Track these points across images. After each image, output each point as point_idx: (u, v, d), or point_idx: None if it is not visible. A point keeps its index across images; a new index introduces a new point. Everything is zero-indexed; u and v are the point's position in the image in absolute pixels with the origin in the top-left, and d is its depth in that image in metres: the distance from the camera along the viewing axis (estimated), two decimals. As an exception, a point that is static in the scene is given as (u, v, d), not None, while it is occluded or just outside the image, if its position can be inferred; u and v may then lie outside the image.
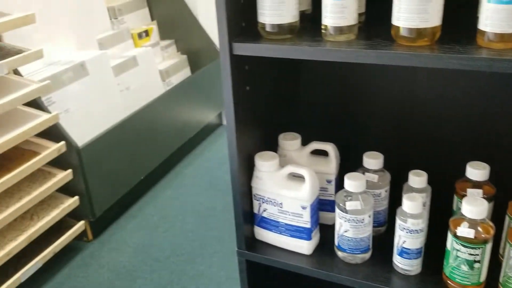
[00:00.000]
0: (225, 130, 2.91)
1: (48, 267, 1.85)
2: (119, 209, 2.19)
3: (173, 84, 2.59)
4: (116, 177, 2.08)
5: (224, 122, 2.99)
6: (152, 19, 2.76)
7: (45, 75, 1.89)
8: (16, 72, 1.75)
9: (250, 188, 1.02)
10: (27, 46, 1.64)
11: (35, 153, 1.71)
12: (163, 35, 2.77)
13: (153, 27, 2.67)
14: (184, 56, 2.76)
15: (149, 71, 2.46)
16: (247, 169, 1.00)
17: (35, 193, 1.71)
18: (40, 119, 1.68)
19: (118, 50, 2.42)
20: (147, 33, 2.62)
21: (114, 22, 2.51)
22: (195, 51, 2.77)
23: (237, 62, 0.87)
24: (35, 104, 1.76)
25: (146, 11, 2.73)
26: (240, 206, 0.99)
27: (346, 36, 0.80)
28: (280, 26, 0.83)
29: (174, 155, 2.51)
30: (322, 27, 0.81)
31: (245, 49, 0.84)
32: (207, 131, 2.84)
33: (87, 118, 2.02)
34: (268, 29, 0.83)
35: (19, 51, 1.59)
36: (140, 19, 2.68)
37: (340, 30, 0.79)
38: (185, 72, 2.75)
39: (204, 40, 2.71)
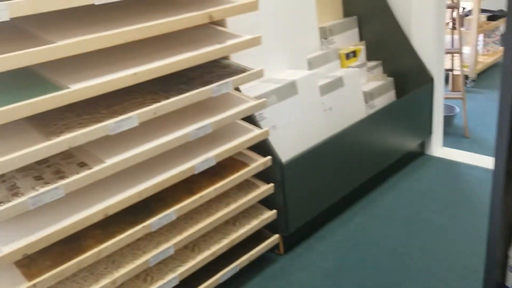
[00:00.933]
0: (427, 161, 2.72)
1: (243, 272, 1.95)
2: (310, 228, 2.21)
3: (376, 106, 2.52)
4: (312, 196, 2.09)
5: (428, 151, 2.79)
6: (361, 39, 2.74)
7: (260, 92, 2.01)
8: (236, 88, 1.90)
9: (506, 257, 0.87)
10: (245, 64, 1.77)
11: (245, 164, 1.82)
12: (370, 56, 2.72)
13: (361, 47, 2.64)
14: (390, 79, 2.66)
15: (354, 92, 2.43)
16: (509, 234, 0.85)
17: (240, 201, 1.82)
18: (252, 134, 1.78)
19: (325, 70, 2.46)
20: (354, 53, 2.60)
21: (324, 42, 2.55)
22: (403, 74, 2.65)
23: None
24: (249, 118, 1.88)
25: (355, 31, 2.72)
26: (492, 275, 0.85)
27: None
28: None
29: (370, 181, 2.43)
30: None
31: None
32: (407, 159, 2.68)
33: (292, 135, 2.09)
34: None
35: (243, 70, 1.72)
36: (349, 39, 2.68)
37: None
38: (390, 95, 2.65)
39: (415, 62, 2.57)
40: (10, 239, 1.25)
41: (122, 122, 1.35)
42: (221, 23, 1.80)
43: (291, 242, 2.13)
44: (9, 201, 1.20)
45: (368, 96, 2.52)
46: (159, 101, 1.46)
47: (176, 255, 1.73)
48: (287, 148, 1.99)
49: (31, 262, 1.35)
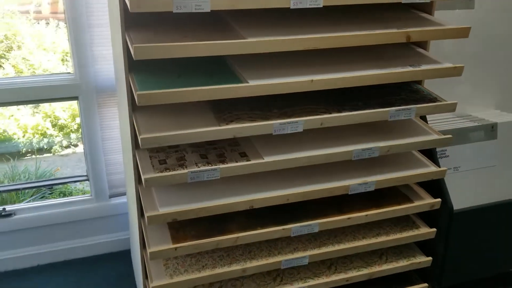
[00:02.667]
0: None
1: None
2: (470, 290, 1.93)
3: None
4: (478, 257, 1.82)
5: None
6: None
7: (450, 127, 1.82)
8: (423, 117, 1.75)
9: None
10: (441, 93, 1.60)
11: (408, 200, 1.68)
12: None
13: None
14: None
15: None
16: None
17: (393, 236, 1.69)
18: (426, 170, 1.62)
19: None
20: None
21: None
22: None
23: None
24: (429, 153, 1.72)
25: None
26: None
27: None
28: None
29: None
30: None
31: None
32: None
33: (475, 184, 1.84)
34: None
35: (433, 99, 1.57)
36: None
37: None
38: None
39: None
40: (166, 203, 1.40)
41: (286, 125, 1.37)
42: (423, 44, 1.67)
43: (441, 297, 1.90)
44: (174, 169, 1.35)
45: None
46: (330, 113, 1.44)
47: (312, 267, 1.71)
48: (464, 196, 1.76)
49: (180, 228, 1.50)
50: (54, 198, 2.74)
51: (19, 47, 3.54)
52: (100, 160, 2.13)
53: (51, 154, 3.56)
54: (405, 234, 1.70)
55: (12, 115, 3.39)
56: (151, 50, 1.18)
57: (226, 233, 1.47)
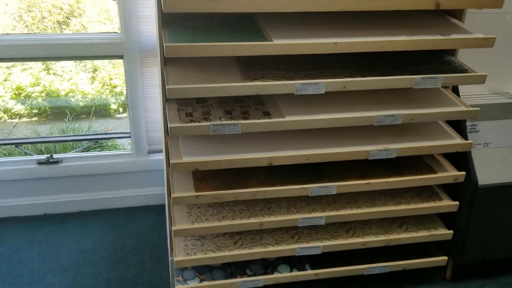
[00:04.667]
0: None
1: (395, 276, 1.85)
2: (487, 269, 1.91)
3: None
4: (502, 235, 1.80)
5: None
6: None
7: (482, 102, 1.78)
8: (455, 90, 1.73)
9: None
10: (477, 67, 1.58)
11: (432, 170, 1.68)
12: None
13: None
14: None
15: None
16: None
17: (414, 205, 1.71)
18: (451, 141, 1.62)
19: None
20: None
21: None
22: None
23: None
24: (458, 125, 1.70)
25: None
26: None
27: None
28: None
29: None
30: None
31: None
32: None
33: (505, 162, 1.80)
34: None
35: (463, 70, 1.55)
36: None
37: None
38: None
39: None
40: (191, 153, 1.49)
41: (308, 86, 1.41)
42: (459, 16, 1.64)
43: (459, 272, 1.89)
44: (199, 122, 1.43)
45: None
46: (353, 77, 1.46)
47: (330, 229, 1.76)
48: (492, 173, 1.73)
49: (203, 179, 1.59)
50: (100, 152, 2.93)
51: (80, 15, 3.74)
52: (140, 118, 2.26)
53: (106, 117, 3.77)
54: (426, 205, 1.71)
55: (71, 78, 3.61)
56: (181, 3, 1.26)
57: (246, 187, 1.55)
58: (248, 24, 1.50)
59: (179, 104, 1.53)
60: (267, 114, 1.50)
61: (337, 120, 1.49)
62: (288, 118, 1.46)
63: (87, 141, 2.59)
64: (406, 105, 1.59)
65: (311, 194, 1.58)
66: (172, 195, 1.49)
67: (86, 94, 3.57)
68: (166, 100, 1.52)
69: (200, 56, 1.33)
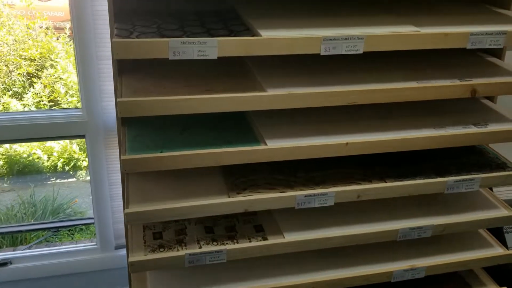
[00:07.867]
0: None
1: None
2: None
3: None
4: None
5: None
6: None
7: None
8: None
9: None
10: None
11: (466, 285, 1.35)
12: None
13: None
14: None
15: None
16: None
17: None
18: (490, 252, 1.29)
19: None
20: None
21: None
22: None
23: None
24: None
25: None
26: None
27: None
28: None
29: None
30: None
31: None
32: None
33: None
34: None
35: (500, 165, 1.24)
36: None
37: None
38: None
39: None
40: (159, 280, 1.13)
41: (313, 198, 1.08)
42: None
43: None
44: (170, 248, 1.08)
45: None
46: (369, 181, 1.14)
47: None
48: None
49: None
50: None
51: (52, 66, 3.45)
52: (106, 207, 1.90)
53: (75, 180, 3.42)
54: (460, 329, 1.36)
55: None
56: (137, 107, 0.93)
57: None
58: (238, 115, 1.17)
59: (145, 220, 1.18)
60: (260, 230, 1.16)
61: (350, 238, 1.15)
62: (289, 238, 1.12)
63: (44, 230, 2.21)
64: (434, 207, 1.26)
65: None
66: None
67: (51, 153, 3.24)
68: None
69: (172, 168, 1.00)
